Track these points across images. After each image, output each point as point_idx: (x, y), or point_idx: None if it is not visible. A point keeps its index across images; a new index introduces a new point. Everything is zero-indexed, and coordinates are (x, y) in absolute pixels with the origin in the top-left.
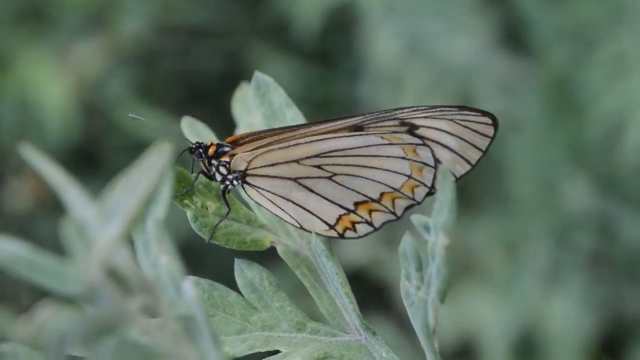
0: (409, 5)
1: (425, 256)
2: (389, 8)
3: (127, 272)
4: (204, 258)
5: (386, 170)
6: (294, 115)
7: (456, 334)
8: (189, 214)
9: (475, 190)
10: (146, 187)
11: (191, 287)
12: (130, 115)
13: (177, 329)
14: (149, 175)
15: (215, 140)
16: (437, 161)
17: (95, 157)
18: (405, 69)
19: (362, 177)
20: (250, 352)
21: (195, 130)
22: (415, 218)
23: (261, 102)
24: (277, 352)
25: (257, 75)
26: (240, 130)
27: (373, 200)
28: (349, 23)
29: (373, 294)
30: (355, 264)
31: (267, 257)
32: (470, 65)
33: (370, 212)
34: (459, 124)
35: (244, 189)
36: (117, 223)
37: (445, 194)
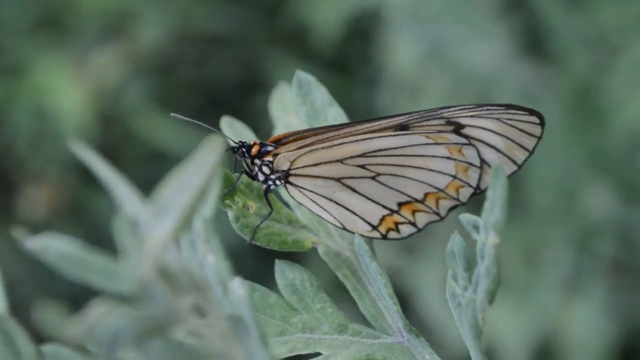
0: (432, 11)
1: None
2: (412, 14)
3: (178, 270)
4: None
5: (431, 170)
6: (336, 115)
7: None
8: (230, 214)
9: None
10: (198, 183)
11: (240, 287)
12: (172, 114)
13: (225, 328)
14: (201, 171)
15: (256, 140)
16: (482, 161)
17: (112, 166)
18: (425, 76)
19: (406, 177)
20: (291, 354)
21: (235, 130)
22: (465, 217)
23: (303, 101)
24: (318, 354)
25: (299, 73)
26: (278, 131)
27: (417, 201)
28: (367, 31)
29: None
30: None
31: (305, 259)
32: (491, 72)
33: (413, 212)
34: (505, 123)
35: (286, 188)
36: (169, 220)
37: (497, 191)
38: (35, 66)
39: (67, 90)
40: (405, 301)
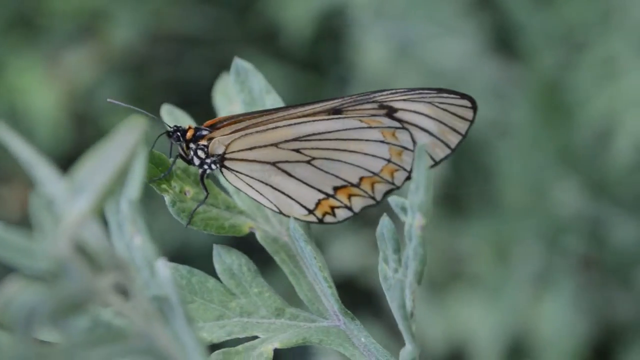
0: (398, 9)
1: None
2: (378, 12)
3: (97, 248)
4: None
5: (365, 154)
6: (273, 101)
7: (446, 339)
8: (167, 198)
9: (465, 195)
10: (117, 162)
11: (165, 267)
12: (108, 99)
13: (149, 309)
14: (120, 150)
15: (194, 125)
16: (416, 144)
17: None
18: (395, 74)
19: (341, 161)
20: (229, 338)
21: (175, 117)
22: (393, 199)
23: (241, 89)
24: (255, 337)
25: (237, 61)
26: None
27: (352, 185)
28: (338, 30)
29: (363, 301)
30: (345, 271)
31: (251, 244)
32: (460, 69)
33: (349, 196)
34: (438, 106)
35: (222, 173)
36: (85, 198)
37: (421, 173)
38: (8, 66)
39: (40, 90)
40: (374, 300)
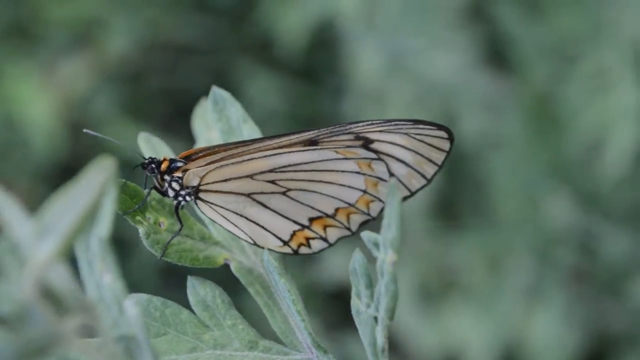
0: (390, 22)
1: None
2: (369, 25)
3: (63, 291)
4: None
5: (341, 185)
6: (250, 131)
7: (440, 349)
8: (140, 230)
9: (459, 207)
10: (84, 204)
11: (132, 306)
12: (85, 130)
13: (116, 349)
14: (87, 192)
15: (170, 156)
16: (392, 176)
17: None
18: (388, 85)
19: (317, 192)
20: None
21: (152, 145)
22: (366, 235)
23: (219, 117)
24: None
25: (215, 90)
26: (199, 146)
27: (328, 216)
28: (332, 40)
29: None
30: (338, 281)
31: (228, 275)
32: (453, 82)
33: (325, 227)
34: (414, 138)
35: (197, 204)
36: (52, 241)
37: (393, 210)
38: (4, 75)
39: (35, 99)
40: None
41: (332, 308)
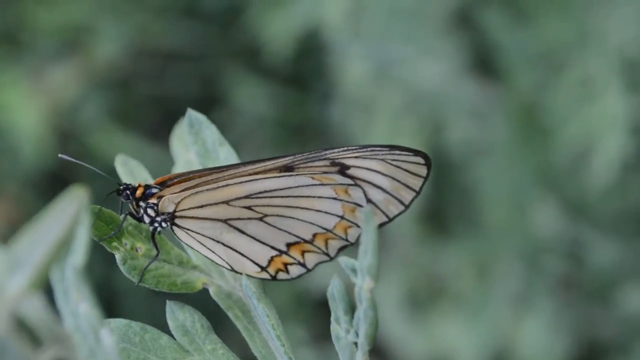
0: (375, 29)
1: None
2: (355, 33)
3: (37, 323)
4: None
5: (318, 210)
6: (226, 154)
7: (429, 357)
8: (117, 256)
9: (446, 214)
10: (56, 235)
11: (108, 336)
12: (60, 155)
13: None
14: (59, 222)
15: (149, 180)
16: (369, 201)
17: (70, 183)
18: (376, 93)
19: (294, 218)
20: None
21: (129, 169)
22: (343, 260)
23: (195, 140)
24: None
25: (190, 112)
26: (178, 168)
27: (305, 241)
28: (320, 47)
29: None
30: (326, 290)
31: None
32: (440, 89)
33: (302, 253)
34: (390, 163)
35: (173, 230)
36: (24, 273)
37: (369, 236)
38: None
39: (23, 106)
40: None
41: (321, 317)
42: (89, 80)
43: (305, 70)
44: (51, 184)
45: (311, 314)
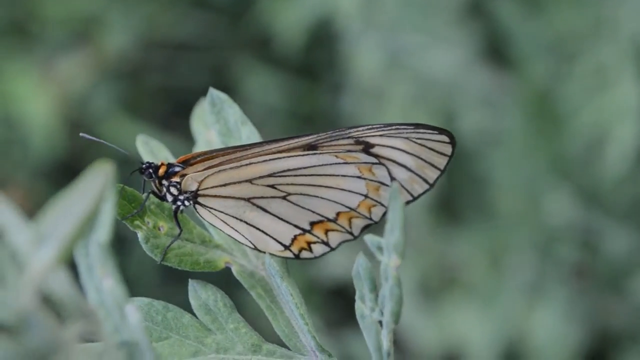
0: (388, 19)
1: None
2: (367, 22)
3: (63, 297)
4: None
5: (342, 189)
6: (249, 133)
7: (441, 346)
8: (140, 235)
9: (459, 203)
10: (83, 209)
11: (134, 312)
12: (81, 134)
13: (119, 355)
14: (86, 197)
15: (170, 159)
16: (393, 180)
17: (80, 173)
18: (387, 82)
19: (317, 196)
20: None
21: (150, 148)
22: (369, 238)
23: (216, 119)
24: None
25: (212, 91)
26: (199, 147)
27: (329, 220)
28: (331, 37)
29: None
30: (339, 278)
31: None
32: (452, 78)
33: (326, 231)
34: (415, 142)
35: (196, 209)
36: (51, 247)
37: (396, 213)
38: (2, 73)
39: (33, 97)
40: None
41: (332, 305)
42: (98, 71)
43: (316, 61)
44: (62, 174)
45: (322, 302)
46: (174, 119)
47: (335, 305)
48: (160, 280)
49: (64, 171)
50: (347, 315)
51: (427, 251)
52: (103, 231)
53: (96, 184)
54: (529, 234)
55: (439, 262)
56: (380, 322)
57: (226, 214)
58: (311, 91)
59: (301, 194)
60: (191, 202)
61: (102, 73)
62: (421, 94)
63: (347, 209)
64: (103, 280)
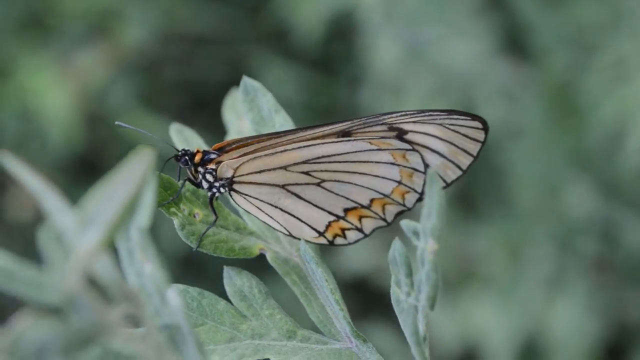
0: (408, 11)
1: (415, 262)
2: (388, 15)
3: (108, 281)
4: (206, 267)
5: (375, 176)
6: (282, 121)
7: (460, 340)
8: (175, 222)
9: (478, 196)
10: (126, 194)
11: (175, 296)
12: (117, 122)
13: (161, 338)
14: (129, 181)
15: (203, 147)
16: (427, 166)
17: (98, 167)
18: (406, 75)
19: (352, 183)
20: None
21: (184, 137)
22: (405, 223)
23: (250, 108)
24: None
25: (245, 80)
26: (231, 136)
27: (363, 207)
28: (350, 30)
29: (376, 300)
30: (357, 272)
31: (263, 265)
32: (471, 70)
33: (360, 218)
34: (448, 128)
35: (231, 196)
36: (96, 231)
37: (433, 198)
38: (20, 67)
39: (52, 90)
40: (387, 300)
41: (351, 298)
42: (116, 65)
43: (334, 54)
44: (79, 167)
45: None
46: (191, 112)
47: (353, 299)
48: (182, 273)
49: (82, 165)
50: (365, 308)
51: (446, 244)
52: (144, 216)
53: (138, 169)
54: (548, 226)
55: (457, 255)
56: (416, 307)
57: (261, 200)
58: (329, 84)
59: (335, 181)
60: (226, 189)
61: (120, 67)
62: (440, 87)
63: (381, 196)
64: (144, 265)
